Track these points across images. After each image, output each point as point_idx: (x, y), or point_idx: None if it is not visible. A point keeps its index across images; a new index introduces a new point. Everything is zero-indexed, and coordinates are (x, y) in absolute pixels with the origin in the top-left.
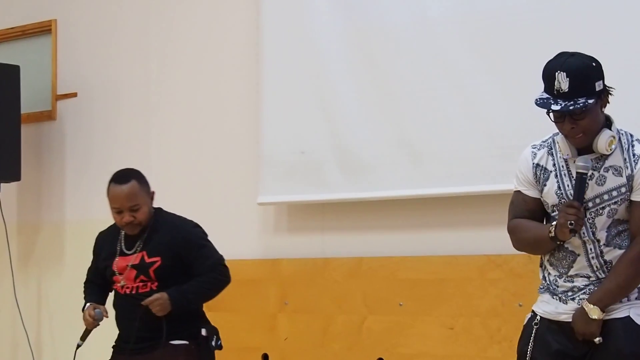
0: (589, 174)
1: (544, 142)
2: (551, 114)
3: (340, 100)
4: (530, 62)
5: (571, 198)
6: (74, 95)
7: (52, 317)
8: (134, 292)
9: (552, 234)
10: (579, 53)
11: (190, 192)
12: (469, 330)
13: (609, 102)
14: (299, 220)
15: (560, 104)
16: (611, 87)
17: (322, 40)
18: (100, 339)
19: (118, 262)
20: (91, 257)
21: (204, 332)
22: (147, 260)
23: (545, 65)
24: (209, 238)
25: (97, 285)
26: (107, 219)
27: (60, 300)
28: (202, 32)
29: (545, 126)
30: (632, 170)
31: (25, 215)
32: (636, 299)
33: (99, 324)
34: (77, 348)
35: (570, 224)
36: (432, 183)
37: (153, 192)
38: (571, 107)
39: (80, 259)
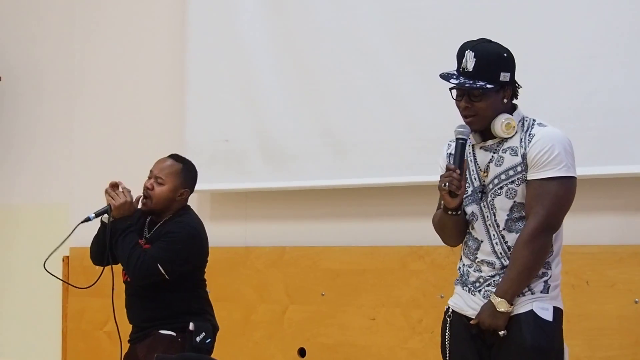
0: (467, 145)
1: None
2: (453, 92)
3: (265, 90)
4: (452, 56)
5: (475, 182)
6: None
7: None
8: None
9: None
10: (498, 43)
11: (113, 180)
12: (390, 321)
13: (516, 97)
14: (222, 208)
15: (459, 80)
16: (519, 85)
17: (247, 30)
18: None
19: None
20: (9, 242)
21: (191, 326)
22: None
23: (462, 44)
24: (183, 248)
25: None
26: (28, 205)
27: None
28: (128, 18)
29: None
30: (525, 149)
31: None
32: (541, 292)
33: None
34: (84, 221)
35: (445, 185)
36: (354, 174)
37: (187, 191)
38: (467, 85)
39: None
